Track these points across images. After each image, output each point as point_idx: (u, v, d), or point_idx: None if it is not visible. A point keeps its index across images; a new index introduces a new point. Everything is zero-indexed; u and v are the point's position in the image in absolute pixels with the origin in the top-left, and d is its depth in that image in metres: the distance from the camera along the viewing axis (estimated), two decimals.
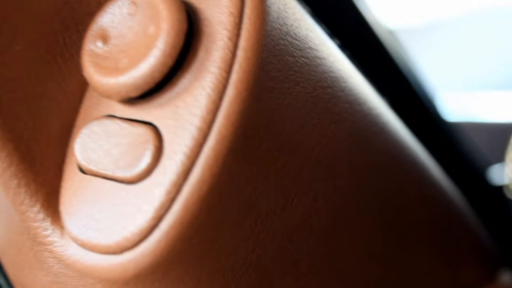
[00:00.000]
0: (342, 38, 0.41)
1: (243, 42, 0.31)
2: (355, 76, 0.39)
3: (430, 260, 0.46)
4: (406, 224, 0.43)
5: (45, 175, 0.33)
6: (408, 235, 0.43)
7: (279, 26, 0.33)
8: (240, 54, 0.31)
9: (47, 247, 0.33)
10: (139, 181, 0.31)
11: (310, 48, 0.35)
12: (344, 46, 0.40)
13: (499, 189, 0.65)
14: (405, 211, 0.43)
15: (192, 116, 0.31)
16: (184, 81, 0.31)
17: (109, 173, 0.32)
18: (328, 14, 0.42)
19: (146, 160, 0.31)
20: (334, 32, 0.40)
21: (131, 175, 0.31)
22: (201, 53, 0.31)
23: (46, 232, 0.33)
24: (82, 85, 0.34)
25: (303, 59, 0.34)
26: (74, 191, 0.33)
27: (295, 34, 0.34)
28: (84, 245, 0.32)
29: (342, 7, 0.52)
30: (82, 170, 0.33)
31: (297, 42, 0.34)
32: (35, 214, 0.33)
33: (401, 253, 0.43)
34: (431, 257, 0.46)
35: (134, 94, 0.31)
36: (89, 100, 0.34)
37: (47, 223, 0.33)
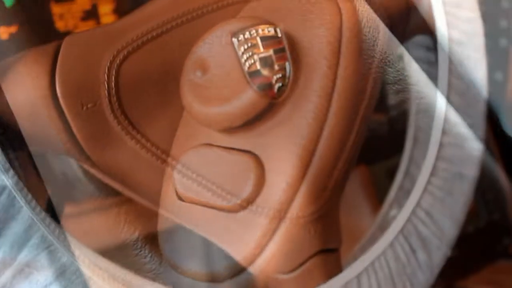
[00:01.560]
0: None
1: (342, 71, 0.31)
2: (441, 100, 0.39)
3: None
4: None
5: (144, 203, 0.33)
6: None
7: (374, 54, 0.33)
8: (339, 83, 0.31)
9: (146, 274, 0.33)
10: (240, 210, 0.31)
11: (402, 74, 0.35)
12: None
13: None
14: None
15: (293, 145, 0.31)
16: (285, 110, 0.31)
17: (209, 201, 0.32)
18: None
19: (247, 189, 0.31)
20: None
21: (233, 204, 0.31)
22: (301, 82, 0.31)
23: (145, 259, 0.33)
24: (175, 115, 0.34)
25: (396, 86, 0.34)
26: (172, 219, 0.33)
27: (388, 61, 0.34)
28: (184, 273, 0.32)
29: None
30: (181, 198, 0.33)
31: (391, 69, 0.34)
32: (134, 242, 0.33)
33: None
34: None
35: (236, 123, 0.31)
36: (184, 129, 0.34)
37: (146, 251, 0.33)
